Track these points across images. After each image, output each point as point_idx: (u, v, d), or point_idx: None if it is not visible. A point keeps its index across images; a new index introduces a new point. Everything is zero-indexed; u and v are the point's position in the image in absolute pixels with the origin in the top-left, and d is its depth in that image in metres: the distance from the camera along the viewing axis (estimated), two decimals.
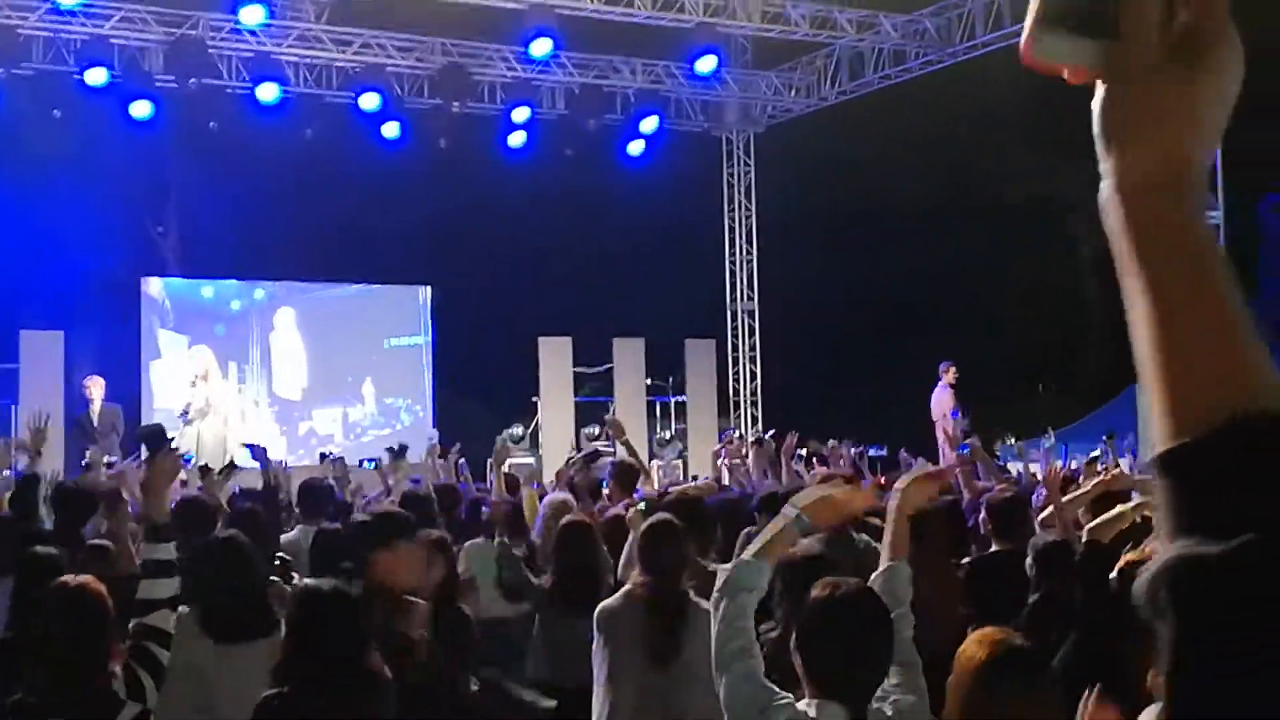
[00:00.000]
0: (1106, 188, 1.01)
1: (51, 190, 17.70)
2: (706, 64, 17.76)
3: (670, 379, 19.39)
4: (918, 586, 4.10)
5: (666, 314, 19.95)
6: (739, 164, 21.66)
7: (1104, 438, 12.93)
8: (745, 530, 6.50)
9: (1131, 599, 0.95)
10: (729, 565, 3.79)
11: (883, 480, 11.26)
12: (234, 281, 19.20)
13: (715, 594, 3.67)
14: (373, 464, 13.90)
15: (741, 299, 21.56)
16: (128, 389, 16.56)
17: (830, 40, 18.59)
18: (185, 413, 17.69)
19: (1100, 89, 1.02)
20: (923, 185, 20.75)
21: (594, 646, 5.41)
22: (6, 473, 10.24)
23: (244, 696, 4.88)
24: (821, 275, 21.84)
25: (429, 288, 19.91)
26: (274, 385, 18.94)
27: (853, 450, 12.29)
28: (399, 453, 10.81)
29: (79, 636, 4.01)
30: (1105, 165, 1.01)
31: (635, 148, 19.54)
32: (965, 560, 7.20)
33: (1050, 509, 6.71)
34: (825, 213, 21.93)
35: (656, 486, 9.48)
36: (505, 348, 19.21)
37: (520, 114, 18.47)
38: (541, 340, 18.60)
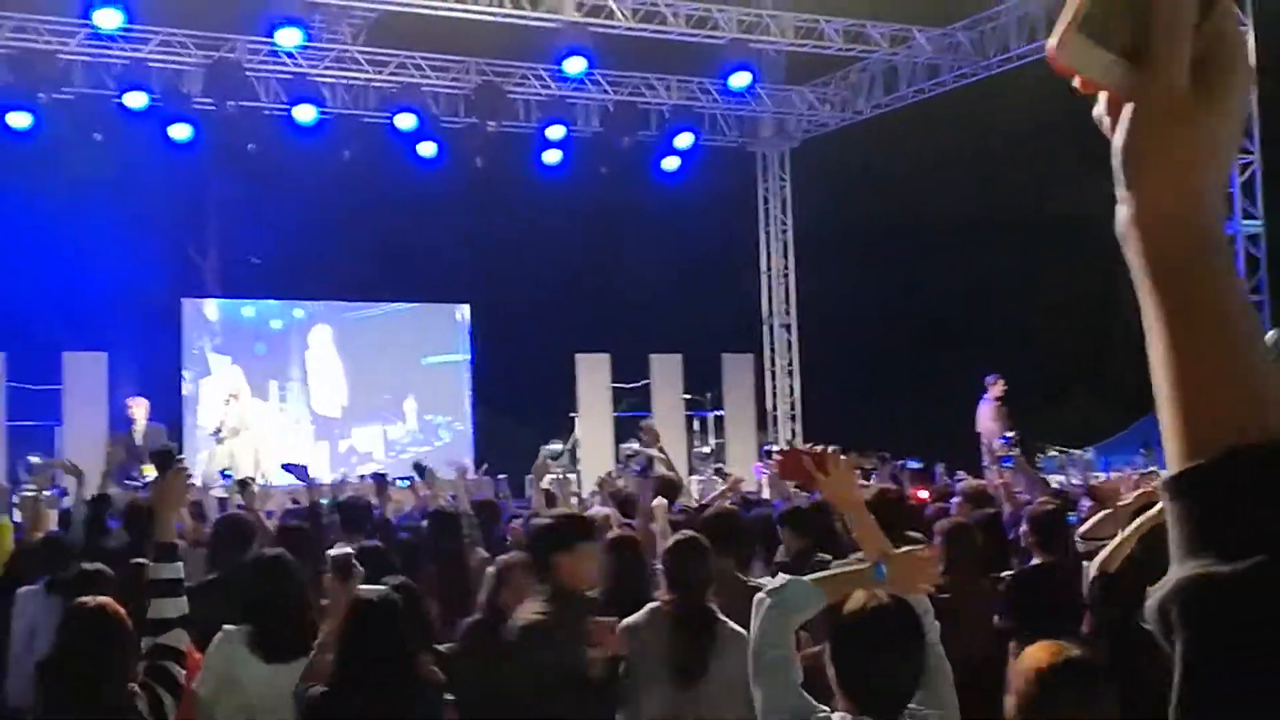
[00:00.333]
0: (1124, 217, 1.02)
1: (93, 213, 17.93)
2: (740, 80, 17.78)
3: (708, 394, 19.39)
4: (952, 598, 4.10)
5: (703, 329, 19.99)
6: (774, 179, 21.66)
7: (1141, 449, 12.85)
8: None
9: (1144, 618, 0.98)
10: (780, 578, 3.78)
11: (921, 493, 11.24)
12: (274, 301, 19.35)
13: (762, 597, 3.65)
14: (407, 482, 13.96)
15: (778, 313, 21.54)
16: (169, 409, 16.71)
17: (864, 54, 18.58)
18: (218, 431, 17.86)
19: (1123, 117, 1.03)
20: (957, 198, 20.73)
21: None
22: (49, 492, 10.34)
23: (285, 713, 4.94)
24: (858, 289, 21.84)
25: (467, 306, 20.00)
26: (313, 403, 19.06)
27: (895, 464, 12.27)
28: (421, 471, 10.85)
29: (98, 655, 4.04)
30: (1123, 194, 1.02)
31: (670, 164, 19.56)
32: (1006, 573, 7.18)
33: (1091, 522, 6.70)
34: (861, 227, 21.95)
35: (696, 500, 9.48)
36: (543, 364, 19.28)
37: (555, 132, 18.53)
38: (579, 356, 18.64)
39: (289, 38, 15.98)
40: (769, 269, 21.60)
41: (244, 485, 9.25)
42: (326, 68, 17.41)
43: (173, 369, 17.94)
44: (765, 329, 21.51)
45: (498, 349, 19.96)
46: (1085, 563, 6.52)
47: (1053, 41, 1.03)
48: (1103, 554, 5.54)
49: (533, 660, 4.53)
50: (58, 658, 4.17)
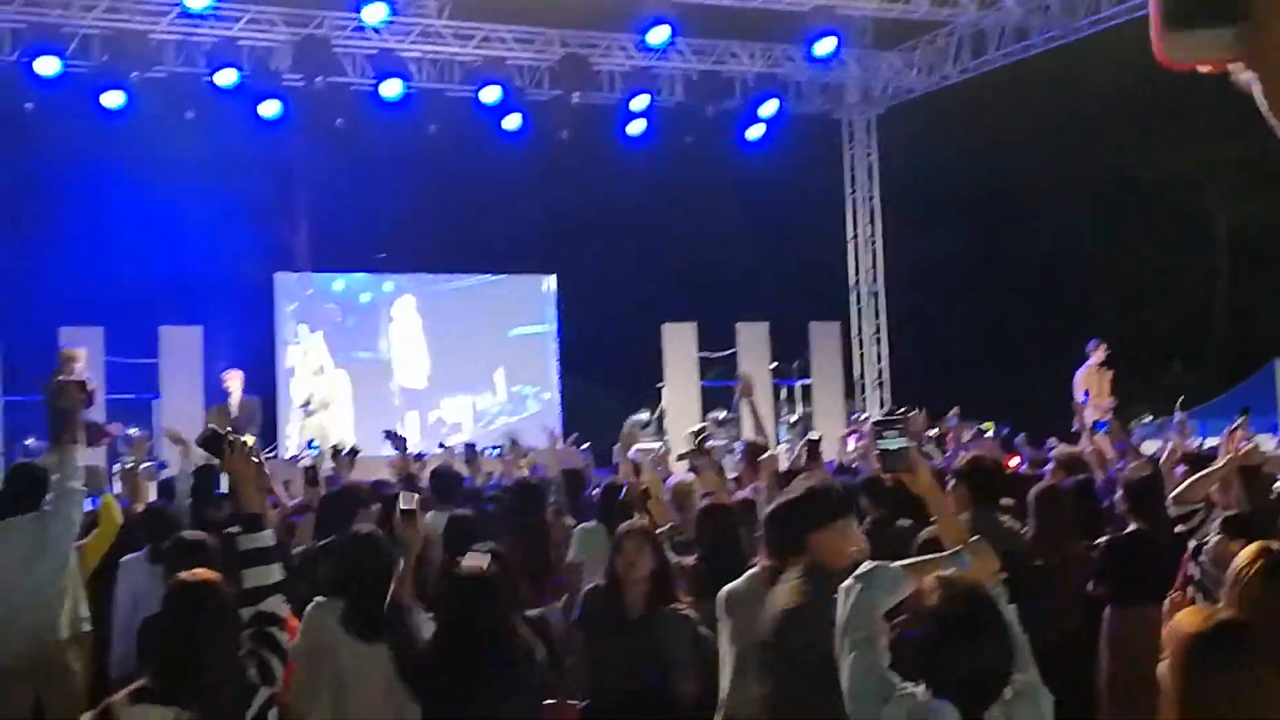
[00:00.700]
0: None
1: (186, 189, 18.21)
2: (825, 46, 17.64)
3: (795, 362, 19.33)
4: (1043, 564, 4.10)
5: (789, 297, 19.93)
6: (860, 145, 21.49)
7: (1239, 414, 12.61)
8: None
9: None
10: (868, 564, 3.82)
11: (1012, 460, 11.15)
12: (363, 274, 19.59)
13: (850, 583, 3.71)
14: (496, 451, 14.10)
15: (865, 281, 21.40)
16: (262, 382, 16.98)
17: (951, 18, 18.34)
18: (307, 403, 18.15)
19: (1252, 78, 1.03)
20: (1047, 163, 20.44)
21: (719, 629, 5.43)
22: (149, 463, 10.57)
23: (368, 691, 5.04)
24: (946, 255, 21.65)
25: (554, 276, 20.11)
26: (401, 375, 19.29)
27: (976, 430, 12.19)
28: (513, 443, 10.99)
29: (201, 628, 4.11)
30: None
31: (755, 132, 19.48)
32: (1099, 540, 7.12)
33: (1183, 485, 6.61)
34: (948, 193, 21.73)
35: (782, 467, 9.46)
36: (630, 334, 19.33)
37: (639, 102, 18.52)
38: (665, 326, 18.67)
39: (375, 13, 16.11)
40: (855, 236, 21.46)
41: (336, 452, 9.37)
42: (412, 42, 17.52)
43: (265, 342, 18.24)
44: (852, 296, 21.39)
45: (584, 319, 20.04)
46: (1178, 526, 6.46)
47: (1155, 47, 1.03)
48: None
49: (796, 646, 4.47)
50: (163, 633, 4.27)
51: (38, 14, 15.72)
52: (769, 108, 19.13)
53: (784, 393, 19.29)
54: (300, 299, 18.96)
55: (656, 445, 11.83)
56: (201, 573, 4.27)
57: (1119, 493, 7.34)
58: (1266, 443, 10.78)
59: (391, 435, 10.64)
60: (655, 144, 19.02)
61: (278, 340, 18.49)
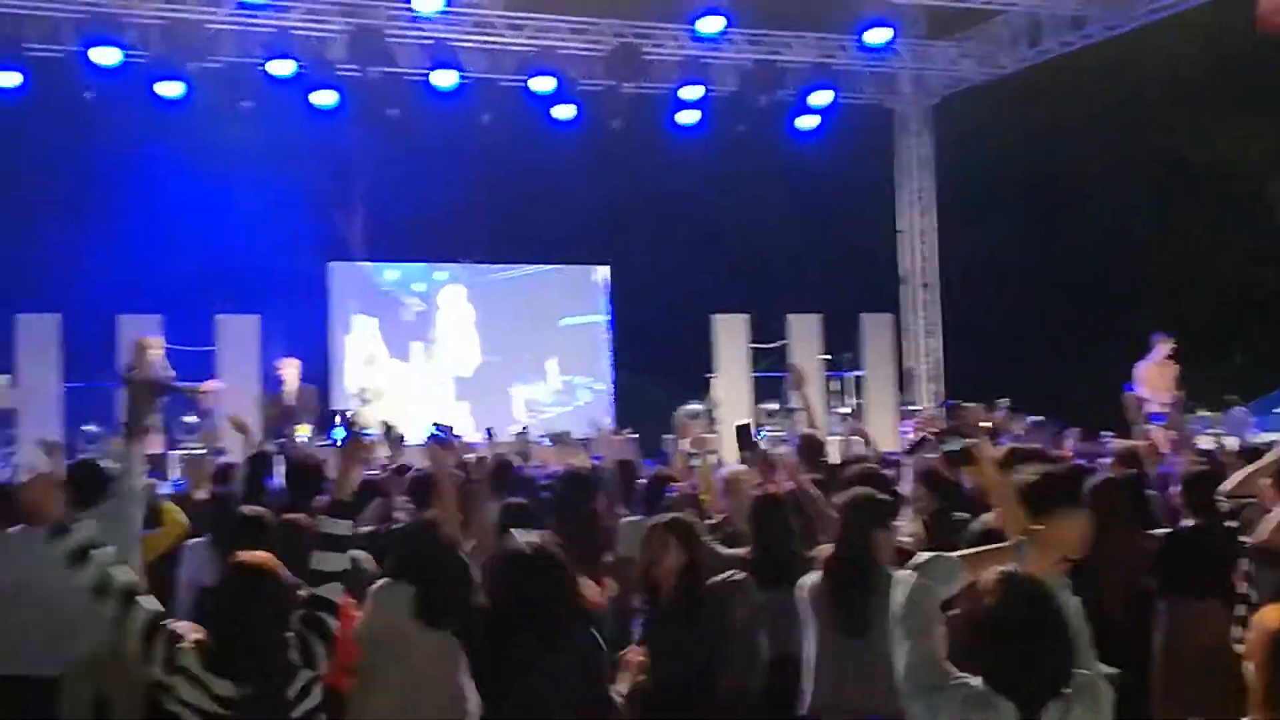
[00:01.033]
0: None
1: (242, 179, 18.34)
2: (879, 36, 17.57)
3: (847, 354, 19.26)
4: (1097, 557, 4.08)
5: (841, 289, 19.84)
6: (913, 136, 21.38)
7: None
8: None
9: None
10: (925, 555, 3.82)
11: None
12: (417, 264, 19.71)
13: (909, 573, 3.72)
14: (549, 441, 14.17)
15: (918, 273, 21.29)
16: (317, 370, 17.11)
17: (1007, 7, 18.21)
18: (363, 392, 18.29)
19: None
20: (1106, 153, 20.22)
21: (806, 622, 5.50)
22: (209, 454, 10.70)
23: (436, 677, 5.08)
24: (1000, 247, 21.47)
25: (606, 267, 20.15)
26: (453, 365, 19.41)
27: (1029, 421, 12.12)
28: (562, 434, 11.05)
29: (254, 610, 4.18)
30: None
31: (807, 123, 19.42)
32: (1152, 532, 7.08)
33: (1234, 479, 6.58)
34: (1003, 184, 21.54)
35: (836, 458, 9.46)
36: (681, 325, 19.31)
37: (692, 92, 18.51)
38: (717, 317, 18.66)
39: (429, 3, 16.20)
40: (908, 227, 21.35)
41: (389, 429, 9.45)
42: (466, 32, 17.60)
43: (320, 331, 18.39)
44: (904, 288, 21.28)
45: (636, 310, 20.06)
46: (1228, 522, 6.42)
47: (1262, 16, 1.03)
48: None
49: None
50: (215, 610, 4.33)
51: (97, 4, 15.92)
52: (821, 98, 19.06)
53: (835, 385, 19.23)
54: (354, 288, 19.11)
55: (711, 436, 11.83)
56: (258, 555, 4.33)
57: (1174, 486, 7.29)
58: None
59: (439, 428, 10.67)
60: (707, 134, 19.00)
61: (332, 329, 18.63)
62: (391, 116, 17.46)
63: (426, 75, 17.39)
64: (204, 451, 9.59)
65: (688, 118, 18.81)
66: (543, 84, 17.72)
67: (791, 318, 18.74)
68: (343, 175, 20.09)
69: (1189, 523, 6.98)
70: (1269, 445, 8.93)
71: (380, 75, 17.10)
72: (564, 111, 18.20)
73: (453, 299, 19.50)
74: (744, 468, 8.23)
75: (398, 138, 18.25)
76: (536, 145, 18.89)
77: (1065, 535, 4.09)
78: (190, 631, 4.26)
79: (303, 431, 14.15)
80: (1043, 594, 3.44)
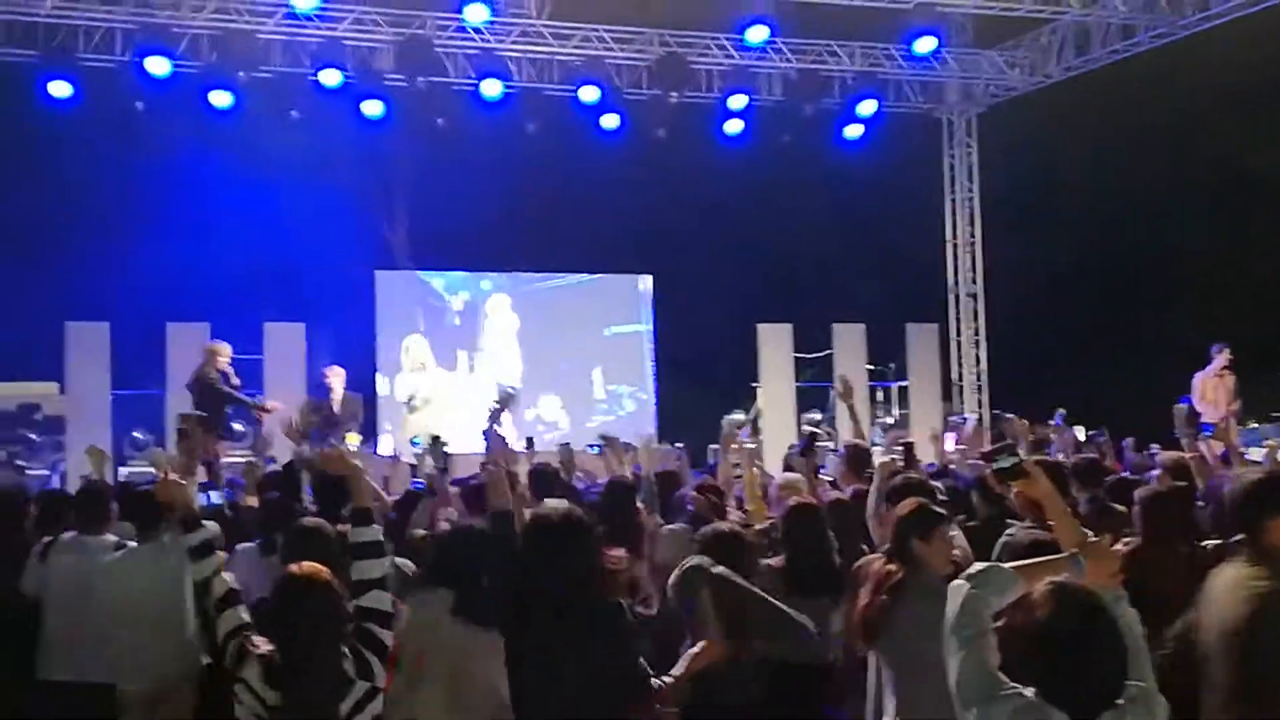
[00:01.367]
0: None
1: (290, 188, 18.52)
2: (925, 45, 17.51)
3: (892, 364, 19.20)
4: (1147, 570, 4.05)
5: (886, 299, 19.79)
6: (960, 145, 21.28)
7: None
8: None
9: None
10: (980, 565, 3.83)
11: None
12: (462, 273, 19.77)
13: (962, 583, 3.72)
14: (596, 449, 14.16)
15: (964, 283, 21.19)
16: (363, 379, 17.21)
17: (1055, 16, 18.12)
18: (410, 400, 18.36)
19: None
20: (1156, 163, 20.07)
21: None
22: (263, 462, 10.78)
23: (483, 680, 5.09)
24: (1046, 257, 21.35)
25: (650, 276, 20.15)
26: (498, 374, 19.43)
27: (1078, 435, 12.03)
28: (609, 441, 11.03)
29: (304, 621, 4.20)
30: None
31: (853, 132, 19.37)
32: (1204, 544, 7.00)
33: None
34: (1050, 194, 21.44)
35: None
36: (725, 334, 19.32)
37: (737, 101, 18.50)
38: (761, 326, 18.64)
39: (477, 14, 16.30)
40: (954, 237, 21.26)
41: (435, 440, 9.49)
42: (512, 42, 17.67)
43: (367, 340, 18.48)
44: (950, 298, 21.19)
45: (680, 319, 20.06)
46: None
47: None
48: None
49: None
50: (270, 621, 4.37)
51: (148, 15, 16.10)
52: (868, 107, 19.01)
53: (880, 394, 19.17)
54: (401, 297, 19.18)
55: (753, 445, 11.80)
56: (312, 566, 4.35)
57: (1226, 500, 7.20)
58: None
59: (487, 434, 10.68)
60: (753, 143, 18.99)
61: (378, 338, 18.73)
62: (439, 126, 17.54)
63: (473, 85, 17.48)
64: (256, 459, 9.69)
65: (733, 127, 18.80)
66: (589, 93, 17.77)
67: (837, 327, 18.71)
68: (390, 184, 20.24)
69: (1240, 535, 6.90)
70: None
71: (427, 85, 17.19)
72: (610, 121, 18.23)
73: (498, 308, 19.54)
74: (798, 476, 8.22)
75: (444, 147, 18.35)
76: (582, 154, 18.95)
77: None
78: (263, 645, 4.32)
79: (352, 440, 14.22)
80: (1096, 605, 3.43)
